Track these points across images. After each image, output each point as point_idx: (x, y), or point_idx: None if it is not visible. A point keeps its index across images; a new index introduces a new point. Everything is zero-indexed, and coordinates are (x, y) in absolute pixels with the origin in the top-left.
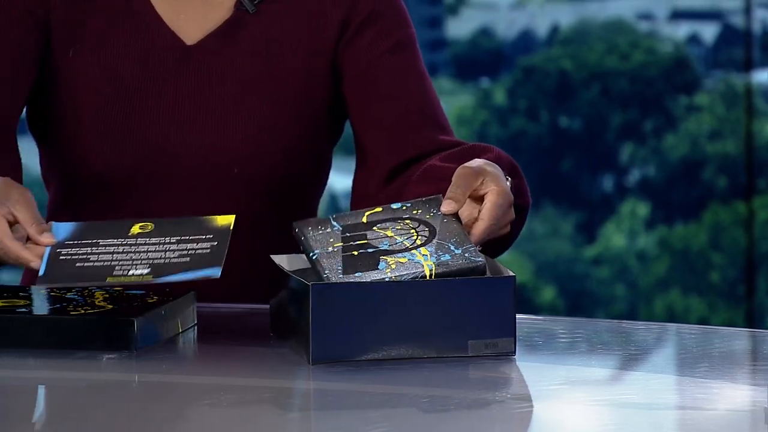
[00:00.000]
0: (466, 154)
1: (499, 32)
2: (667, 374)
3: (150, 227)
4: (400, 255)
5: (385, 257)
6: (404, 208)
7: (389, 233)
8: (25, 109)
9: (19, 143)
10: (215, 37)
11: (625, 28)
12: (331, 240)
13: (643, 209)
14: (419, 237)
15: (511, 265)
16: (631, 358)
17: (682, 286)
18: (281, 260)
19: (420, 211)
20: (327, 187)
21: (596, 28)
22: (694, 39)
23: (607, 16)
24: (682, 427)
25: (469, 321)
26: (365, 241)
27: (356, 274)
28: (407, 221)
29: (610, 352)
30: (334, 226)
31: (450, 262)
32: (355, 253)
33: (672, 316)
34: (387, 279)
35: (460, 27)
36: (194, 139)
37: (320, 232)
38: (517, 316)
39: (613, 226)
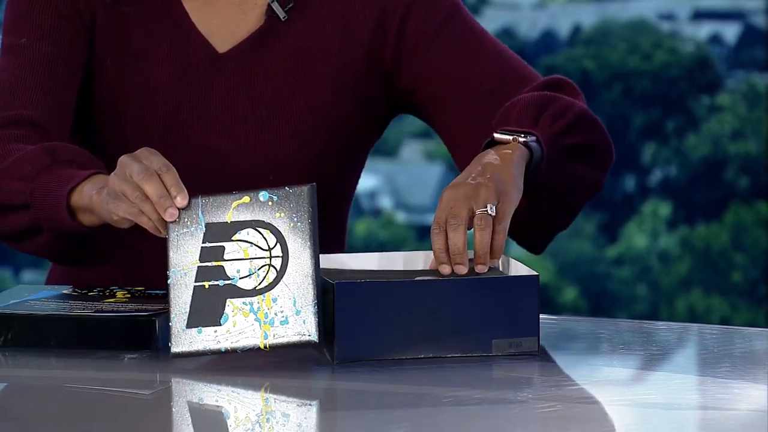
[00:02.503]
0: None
1: (521, 32)
2: (689, 374)
3: None
4: (245, 300)
5: (231, 300)
6: (270, 203)
7: (246, 252)
8: None
9: None
10: (247, 44)
11: (647, 29)
12: (190, 251)
13: (664, 209)
14: (270, 272)
15: (532, 265)
16: (653, 358)
17: (704, 286)
18: None
19: (284, 213)
20: None
21: (618, 28)
22: (715, 39)
23: (629, 16)
24: (703, 427)
25: (493, 320)
26: (220, 263)
27: (197, 330)
28: (266, 233)
29: (632, 352)
30: (200, 222)
31: (284, 333)
32: (207, 285)
33: (694, 316)
34: (223, 349)
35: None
36: (228, 146)
37: (185, 231)
38: (540, 315)
39: (634, 226)
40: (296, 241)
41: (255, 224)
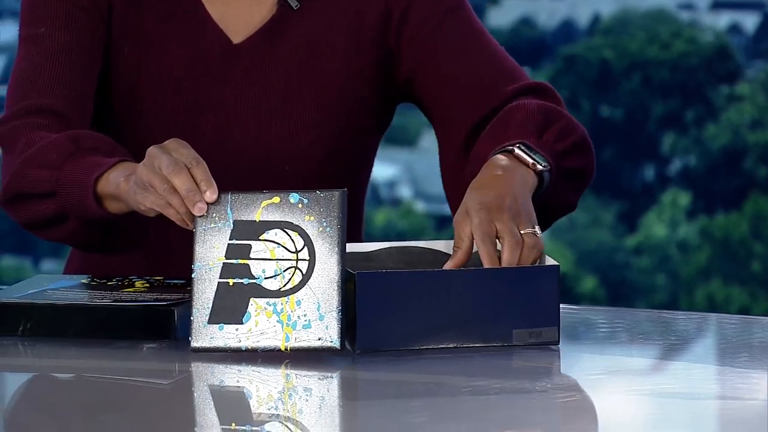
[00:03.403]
0: (497, 130)
1: (540, 22)
2: (708, 364)
3: None
4: (269, 301)
5: (255, 299)
6: (300, 205)
7: (272, 253)
8: None
9: None
10: (260, 35)
11: (666, 18)
12: (216, 246)
13: (684, 199)
14: (295, 275)
15: (552, 254)
16: (672, 347)
17: (723, 275)
18: None
19: (313, 217)
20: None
21: (637, 17)
22: (735, 28)
23: (649, 5)
24: (722, 417)
25: (514, 310)
26: (246, 262)
27: (219, 326)
28: (294, 235)
29: (651, 341)
30: (228, 218)
31: (306, 337)
32: (231, 282)
33: (713, 306)
34: (243, 348)
35: (501, 16)
36: (242, 137)
37: (212, 226)
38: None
39: (654, 216)
40: (324, 246)
41: (283, 225)
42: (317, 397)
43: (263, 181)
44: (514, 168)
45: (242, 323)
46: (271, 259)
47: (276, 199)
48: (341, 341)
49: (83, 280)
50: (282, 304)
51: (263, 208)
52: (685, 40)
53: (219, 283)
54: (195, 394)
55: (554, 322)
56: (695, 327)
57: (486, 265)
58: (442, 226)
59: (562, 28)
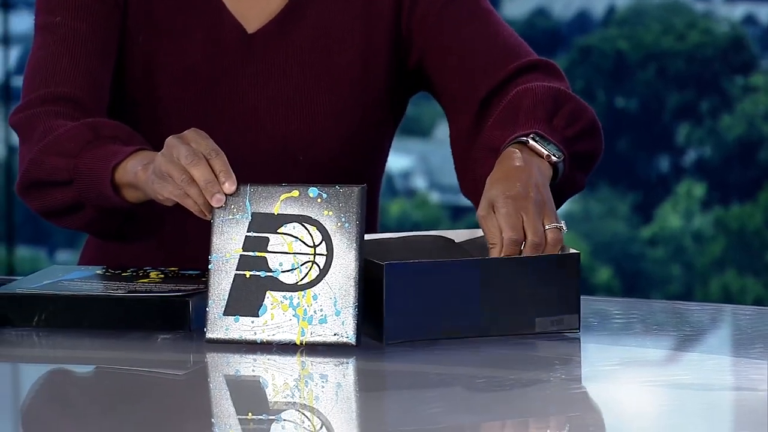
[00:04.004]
0: (506, 115)
1: (556, 12)
2: (722, 355)
3: None
4: (285, 294)
5: (271, 292)
6: (319, 200)
7: (290, 246)
8: None
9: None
10: (274, 24)
11: (682, 8)
12: (234, 238)
13: (699, 190)
14: (312, 269)
15: (567, 244)
16: (686, 338)
17: (738, 266)
18: None
19: (332, 212)
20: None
21: (652, 8)
22: (750, 19)
23: None
24: (736, 408)
25: (536, 298)
26: (263, 254)
27: (234, 318)
28: (312, 229)
29: (665, 332)
30: (246, 211)
31: (322, 332)
32: (248, 275)
33: (728, 297)
34: (258, 341)
35: (516, 7)
36: (258, 127)
37: (230, 217)
38: None
39: (669, 207)
40: (342, 242)
41: (302, 219)
42: (333, 384)
43: (277, 171)
44: (530, 160)
45: (258, 316)
46: (289, 253)
47: (295, 193)
48: (357, 337)
49: (98, 271)
50: (298, 298)
51: (282, 201)
52: (700, 31)
53: (236, 275)
54: (210, 385)
55: (575, 309)
56: (710, 318)
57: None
58: (457, 216)
59: (577, 18)
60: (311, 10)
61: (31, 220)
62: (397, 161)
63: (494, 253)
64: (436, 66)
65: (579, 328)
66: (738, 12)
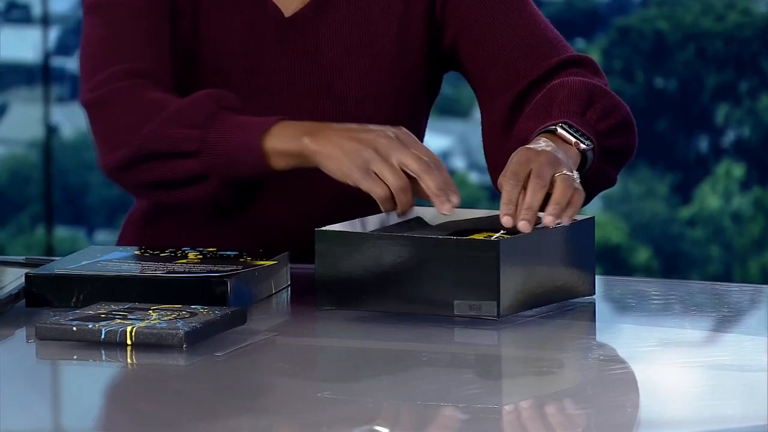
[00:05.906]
0: (540, 107)
1: None
2: (761, 336)
3: None
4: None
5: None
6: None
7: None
8: None
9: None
10: (311, 7)
11: None
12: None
13: (738, 170)
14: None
15: (606, 225)
16: (725, 319)
17: None
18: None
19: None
20: None
21: None
22: None
23: None
24: None
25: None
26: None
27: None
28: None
29: (704, 313)
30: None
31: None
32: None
33: (767, 277)
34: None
35: None
36: (295, 110)
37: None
38: (612, 277)
39: (708, 187)
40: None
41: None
42: (358, 369)
43: None
44: (556, 146)
45: None
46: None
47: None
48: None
49: (136, 251)
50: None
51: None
52: (739, 12)
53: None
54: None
55: (591, 272)
56: (748, 299)
57: (501, 205)
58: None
59: None
60: None
61: (70, 201)
62: (436, 142)
63: (505, 222)
64: (472, 53)
65: (594, 292)
66: None
